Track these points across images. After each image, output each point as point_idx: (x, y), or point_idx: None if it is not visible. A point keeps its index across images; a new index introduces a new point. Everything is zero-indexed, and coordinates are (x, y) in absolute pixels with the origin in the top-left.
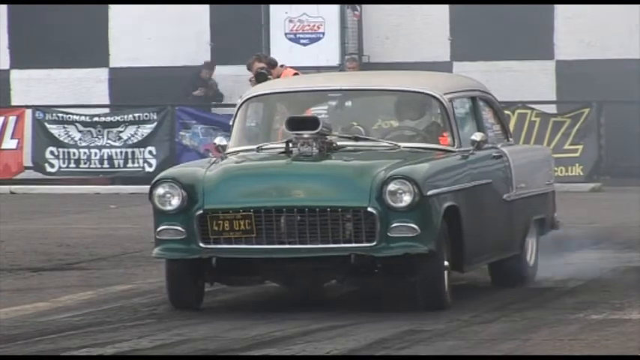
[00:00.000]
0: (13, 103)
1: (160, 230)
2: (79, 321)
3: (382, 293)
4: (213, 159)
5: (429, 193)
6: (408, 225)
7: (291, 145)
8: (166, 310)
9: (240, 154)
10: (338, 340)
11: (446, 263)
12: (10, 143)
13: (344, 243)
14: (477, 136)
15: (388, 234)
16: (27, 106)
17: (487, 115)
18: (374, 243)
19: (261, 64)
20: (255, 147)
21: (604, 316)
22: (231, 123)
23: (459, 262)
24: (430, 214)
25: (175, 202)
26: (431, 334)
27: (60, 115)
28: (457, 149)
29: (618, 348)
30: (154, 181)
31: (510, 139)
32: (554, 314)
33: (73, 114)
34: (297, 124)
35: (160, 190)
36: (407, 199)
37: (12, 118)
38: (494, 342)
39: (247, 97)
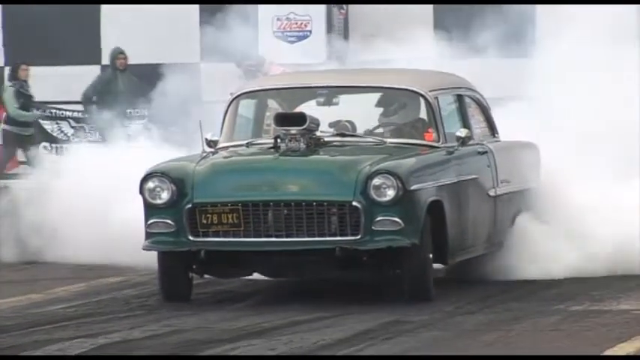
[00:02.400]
0: None
1: (150, 223)
2: (72, 312)
3: (368, 285)
4: (204, 154)
5: (413, 187)
6: (391, 219)
7: (279, 140)
8: (157, 302)
9: (230, 149)
10: (324, 330)
11: (430, 256)
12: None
13: (329, 236)
14: (462, 133)
15: (373, 227)
16: None
17: (473, 111)
18: (359, 236)
19: (251, 62)
20: (244, 142)
21: (584, 308)
22: (221, 119)
23: (442, 255)
24: (414, 209)
25: (165, 195)
26: (415, 324)
27: (53, 111)
28: (442, 145)
29: (598, 338)
30: (144, 175)
31: (497, 136)
32: (535, 306)
33: (65, 110)
34: (284, 120)
35: (150, 184)
36: (391, 193)
37: (4, 114)
38: (477, 332)
39: (237, 93)
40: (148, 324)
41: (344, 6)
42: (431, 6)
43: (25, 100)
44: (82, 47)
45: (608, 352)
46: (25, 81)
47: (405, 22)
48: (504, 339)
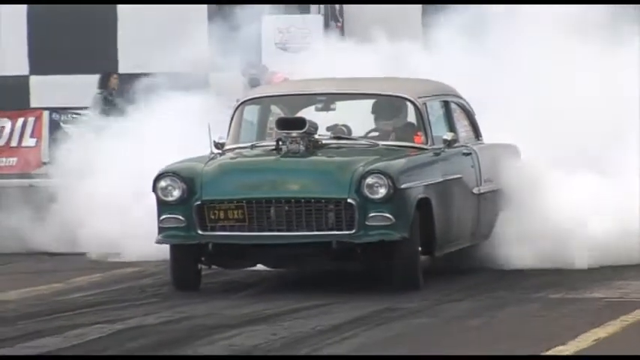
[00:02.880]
0: (32, 105)
1: (163, 219)
2: (91, 300)
3: (361, 275)
4: (212, 155)
5: (403, 186)
6: (383, 215)
7: (280, 143)
8: (169, 291)
9: (236, 150)
10: (322, 317)
11: (419, 249)
12: (29, 141)
13: (326, 230)
14: (448, 136)
15: (366, 222)
16: (44, 108)
17: (459, 116)
18: (353, 230)
19: (254, 70)
20: (249, 144)
21: (562, 295)
22: (228, 123)
23: (430, 247)
24: (404, 205)
25: (176, 193)
26: (405, 311)
27: (74, 116)
28: (430, 147)
29: (574, 324)
30: (156, 174)
31: (480, 138)
32: (516, 294)
33: (85, 115)
34: (286, 124)
35: (162, 183)
36: (382, 191)
37: (31, 119)
38: (463, 319)
39: (243, 99)
40: (161, 311)
41: (340, 19)
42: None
43: (110, 107)
44: (100, 58)
45: (583, 336)
46: (114, 89)
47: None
48: (488, 325)
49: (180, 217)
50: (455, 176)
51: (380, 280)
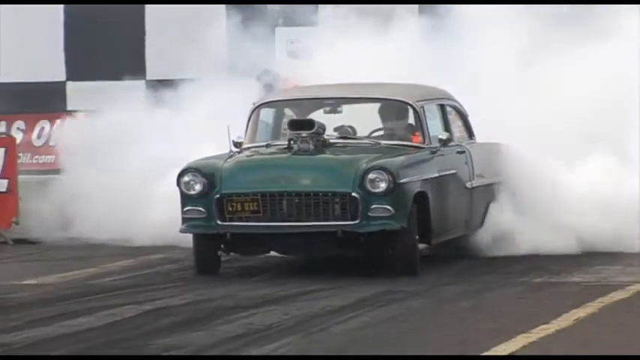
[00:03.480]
0: (68, 108)
1: (186, 210)
2: (122, 283)
3: (364, 261)
4: (231, 153)
5: (402, 181)
6: (384, 207)
7: (292, 142)
8: (192, 275)
9: (252, 149)
10: (330, 298)
11: (416, 237)
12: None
13: (333, 221)
14: (444, 135)
15: (368, 214)
16: (80, 111)
17: (453, 118)
18: (357, 221)
19: (268, 77)
20: (264, 144)
21: (544, 279)
22: (245, 124)
23: (427, 236)
24: (403, 198)
25: (198, 187)
26: (405, 294)
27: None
28: (427, 146)
29: (555, 305)
30: (180, 170)
31: (473, 138)
32: (504, 278)
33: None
34: (297, 125)
35: (185, 178)
36: (383, 185)
37: (68, 121)
38: (455, 300)
39: (258, 103)
40: (185, 293)
41: None
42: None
43: None
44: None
45: (564, 316)
46: None
47: None
48: (478, 306)
49: (202, 209)
50: (449, 172)
51: (381, 266)
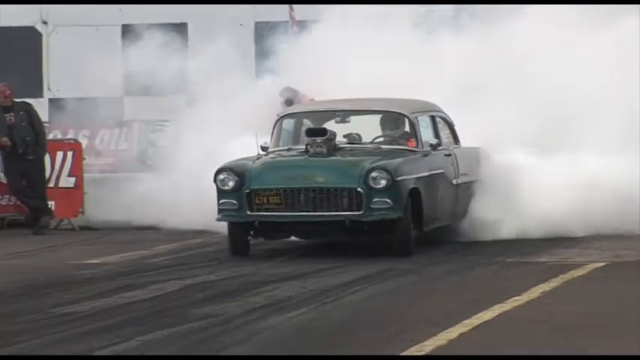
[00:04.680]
0: (125, 119)
1: (221, 203)
2: (167, 263)
3: (368, 245)
4: (258, 155)
5: (399, 178)
6: (384, 200)
7: (308, 146)
8: (225, 256)
9: (276, 152)
10: (339, 275)
11: (411, 225)
12: (123, 145)
13: (341, 211)
14: (434, 141)
15: (371, 206)
16: (134, 121)
17: (442, 127)
18: (361, 212)
19: (289, 93)
20: (286, 148)
21: (515, 260)
22: (270, 132)
23: (420, 224)
24: (400, 193)
25: (231, 184)
26: (401, 271)
27: (157, 126)
28: (420, 150)
29: (525, 281)
30: (216, 170)
31: (458, 143)
32: (483, 258)
33: (164, 126)
34: (312, 132)
35: (221, 176)
36: (383, 182)
37: (125, 129)
38: (444, 276)
39: (281, 115)
40: (220, 270)
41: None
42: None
43: None
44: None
45: (532, 289)
46: None
47: None
48: (462, 281)
49: (234, 202)
50: (438, 171)
51: (381, 249)
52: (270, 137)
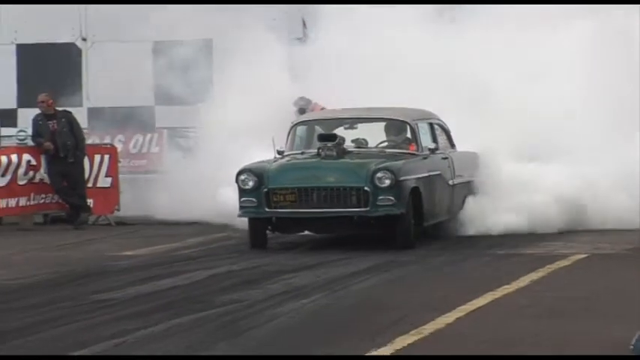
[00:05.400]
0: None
1: (242, 200)
2: (195, 254)
3: (374, 239)
4: (275, 158)
5: (402, 178)
6: (388, 197)
7: (320, 150)
8: (246, 248)
9: (291, 155)
10: (348, 265)
11: (412, 221)
12: (155, 149)
13: (350, 208)
14: (432, 145)
15: (377, 203)
16: (164, 128)
17: (440, 133)
18: (368, 208)
19: (302, 102)
20: (300, 152)
21: (506, 252)
22: (285, 138)
23: (420, 220)
24: (402, 191)
25: (251, 184)
26: (403, 262)
27: (184, 132)
28: (420, 153)
29: (513, 271)
30: (238, 171)
31: (454, 147)
32: (476, 250)
33: (190, 132)
34: (323, 137)
35: (242, 177)
36: (388, 182)
37: (156, 135)
38: (441, 267)
39: (295, 122)
40: (242, 261)
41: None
42: None
43: None
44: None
45: (522, 278)
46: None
47: None
48: (458, 271)
49: (254, 200)
50: (436, 172)
51: (384, 242)
52: (285, 142)
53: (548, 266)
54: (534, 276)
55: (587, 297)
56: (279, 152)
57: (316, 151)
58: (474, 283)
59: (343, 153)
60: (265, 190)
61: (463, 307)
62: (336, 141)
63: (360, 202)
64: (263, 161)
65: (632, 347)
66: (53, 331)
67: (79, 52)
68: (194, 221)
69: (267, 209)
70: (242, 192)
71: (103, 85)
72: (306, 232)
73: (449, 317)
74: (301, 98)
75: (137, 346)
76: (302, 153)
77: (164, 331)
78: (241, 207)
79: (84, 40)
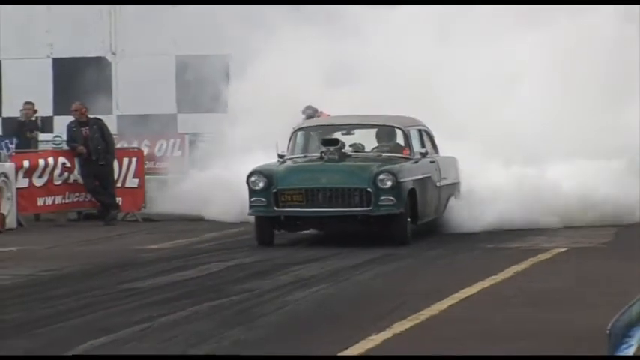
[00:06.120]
0: (178, 131)
1: (252, 200)
2: (213, 247)
3: (375, 235)
4: (279, 161)
5: (401, 180)
6: (389, 198)
7: (323, 154)
8: (255, 245)
9: (293, 159)
10: (350, 258)
11: (408, 219)
12: (177, 153)
13: (354, 207)
14: (423, 150)
15: (378, 203)
16: (186, 133)
17: (426, 138)
18: (370, 208)
19: (310, 110)
20: (301, 155)
21: (494, 246)
22: (287, 144)
23: (415, 218)
24: (402, 192)
25: (261, 184)
26: (400, 256)
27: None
28: (412, 157)
29: (500, 262)
30: (249, 173)
31: (438, 152)
32: (466, 244)
33: (208, 137)
34: (327, 142)
35: (252, 178)
36: (389, 183)
37: (178, 140)
38: (435, 260)
39: (296, 129)
40: (253, 255)
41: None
42: None
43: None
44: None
45: (507, 269)
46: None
47: None
48: (450, 263)
49: (263, 200)
50: (427, 175)
51: (384, 237)
52: (287, 147)
53: (531, 259)
54: (518, 267)
55: (566, 287)
56: (280, 157)
57: (319, 154)
58: (464, 274)
59: (344, 157)
60: (274, 190)
61: (455, 295)
62: (338, 145)
63: (363, 202)
64: (270, 164)
65: (608, 331)
66: (83, 318)
67: (108, 64)
68: (211, 218)
69: (275, 208)
70: (252, 192)
71: (131, 94)
72: (312, 231)
73: (442, 304)
74: (308, 107)
75: (160, 331)
76: (304, 157)
77: (184, 318)
78: (251, 206)
79: (113, 54)
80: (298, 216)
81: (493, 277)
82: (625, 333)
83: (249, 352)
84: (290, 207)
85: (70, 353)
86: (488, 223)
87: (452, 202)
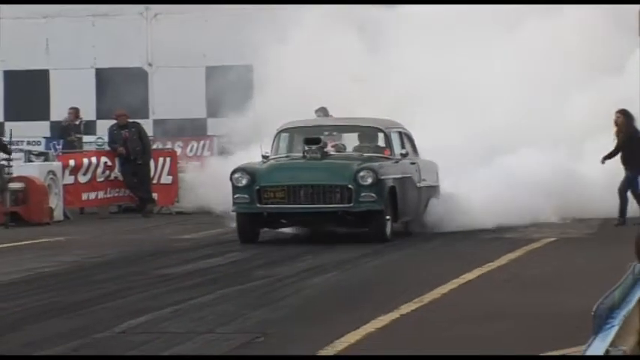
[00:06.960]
0: (208, 133)
1: (236, 197)
2: (234, 238)
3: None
4: (263, 160)
5: (382, 177)
6: (370, 194)
7: (305, 152)
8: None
9: (277, 158)
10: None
11: (388, 217)
12: (206, 153)
13: (335, 204)
14: (403, 151)
15: (359, 199)
16: (214, 136)
17: (406, 140)
18: (351, 204)
19: (321, 112)
20: (285, 155)
21: (490, 236)
22: (271, 143)
23: (395, 217)
24: (382, 189)
25: (244, 181)
26: (402, 246)
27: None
28: (393, 157)
29: (495, 250)
30: (232, 170)
31: (418, 154)
32: (463, 236)
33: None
34: (309, 141)
35: (236, 175)
36: (370, 180)
37: (207, 141)
38: (435, 249)
39: (280, 130)
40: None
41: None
42: None
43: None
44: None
45: (502, 257)
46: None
47: None
48: (450, 252)
49: (246, 196)
50: (407, 175)
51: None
52: (270, 146)
53: (523, 247)
54: (512, 255)
55: (556, 273)
56: (264, 157)
57: (302, 153)
58: (463, 262)
59: (326, 155)
60: (257, 187)
61: (455, 280)
62: (320, 144)
63: (344, 198)
64: (253, 162)
65: (593, 313)
66: (122, 300)
67: (145, 74)
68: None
69: (258, 205)
70: (236, 189)
71: (165, 101)
72: (294, 228)
73: (444, 288)
74: (321, 109)
75: (190, 312)
76: (287, 157)
77: (212, 300)
78: (235, 203)
79: (150, 65)
80: (280, 212)
81: (489, 264)
82: (609, 315)
83: (271, 331)
84: (272, 203)
85: (109, 333)
86: (464, 224)
87: (431, 201)
